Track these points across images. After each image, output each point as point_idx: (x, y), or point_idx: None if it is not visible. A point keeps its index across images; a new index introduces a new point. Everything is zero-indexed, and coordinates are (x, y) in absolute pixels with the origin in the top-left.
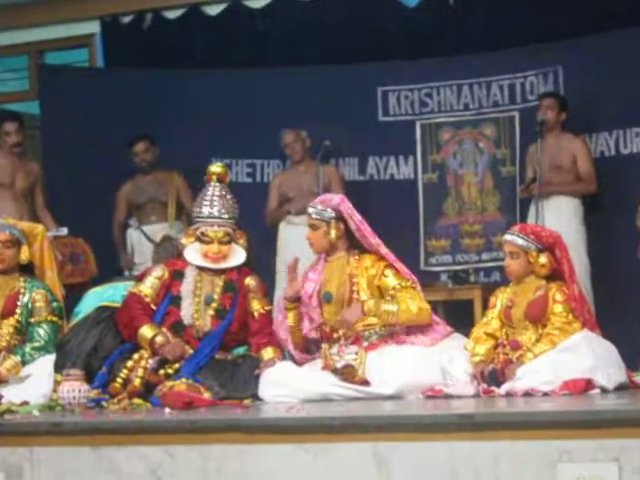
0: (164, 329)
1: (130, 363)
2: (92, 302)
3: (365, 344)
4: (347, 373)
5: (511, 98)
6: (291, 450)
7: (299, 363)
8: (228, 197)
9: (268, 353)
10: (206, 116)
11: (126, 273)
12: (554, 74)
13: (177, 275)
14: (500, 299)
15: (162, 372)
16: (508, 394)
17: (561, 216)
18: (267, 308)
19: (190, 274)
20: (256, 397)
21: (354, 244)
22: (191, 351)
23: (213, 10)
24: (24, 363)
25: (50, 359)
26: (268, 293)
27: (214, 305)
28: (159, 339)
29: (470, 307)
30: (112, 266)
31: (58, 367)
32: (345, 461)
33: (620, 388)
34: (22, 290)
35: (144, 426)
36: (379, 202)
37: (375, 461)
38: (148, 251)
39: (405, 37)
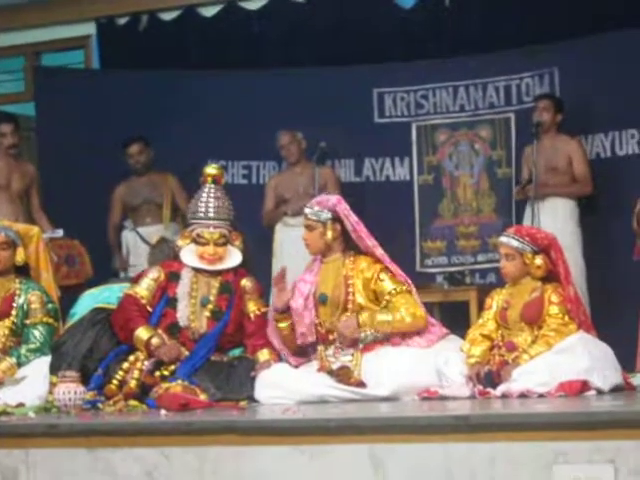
0: (160, 331)
1: (126, 365)
2: (88, 304)
3: (361, 346)
4: (343, 375)
5: (507, 99)
6: (287, 452)
7: (295, 365)
8: (224, 198)
9: (264, 355)
10: (202, 117)
11: (121, 274)
12: (550, 75)
13: (173, 277)
14: (496, 300)
15: (158, 374)
16: (504, 395)
17: (557, 218)
18: (263, 310)
19: (186, 276)
20: (252, 399)
21: (350, 245)
22: (187, 353)
23: (209, 11)
24: (19, 365)
25: (46, 361)
26: (264, 294)
27: (210, 307)
28: (155, 341)
29: (466, 308)
30: (108, 268)
31: (54, 369)
32: (341, 463)
33: (616, 390)
34: (17, 292)
35: (140, 428)
36: (375, 204)
37: (371, 462)
38: (144, 253)
39: (401, 38)
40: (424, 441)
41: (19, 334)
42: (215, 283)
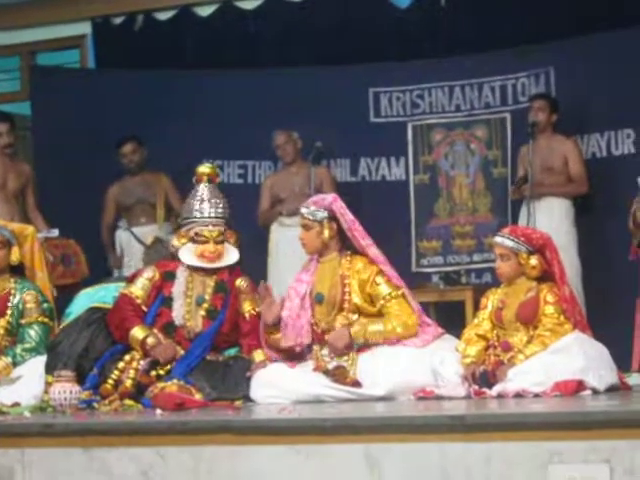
0: (155, 330)
1: (121, 364)
2: (83, 303)
3: (356, 345)
4: (339, 374)
5: (502, 99)
6: (283, 451)
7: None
8: (220, 197)
9: (260, 355)
10: (197, 117)
11: (115, 273)
12: (545, 75)
13: (168, 276)
14: (491, 300)
15: (153, 373)
16: (499, 395)
17: (552, 217)
18: (258, 309)
19: (181, 275)
20: (247, 398)
21: (346, 245)
22: (182, 352)
23: (204, 11)
24: (15, 364)
25: (41, 360)
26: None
27: (205, 306)
28: (150, 340)
29: (461, 308)
30: (103, 267)
31: (49, 368)
32: (337, 462)
33: (611, 389)
34: (13, 291)
35: (135, 427)
36: (371, 203)
37: (367, 462)
38: (138, 252)
39: (396, 38)
40: (420, 441)
41: (14, 334)
42: (210, 282)
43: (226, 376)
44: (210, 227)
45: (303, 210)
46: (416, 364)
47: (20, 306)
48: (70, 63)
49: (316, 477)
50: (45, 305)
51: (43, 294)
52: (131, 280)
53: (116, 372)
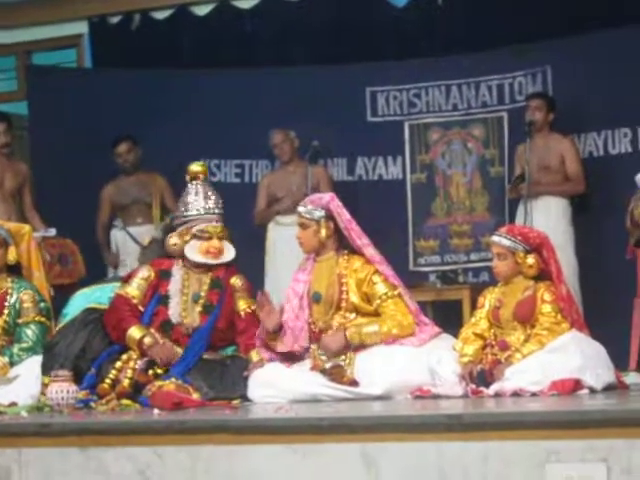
0: (152, 330)
1: (119, 364)
2: (79, 304)
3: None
4: (336, 373)
5: (499, 98)
6: (280, 450)
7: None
8: (215, 193)
9: (257, 354)
10: (195, 116)
11: (110, 272)
12: (542, 74)
13: (164, 275)
14: (488, 299)
15: (151, 372)
16: (496, 394)
17: (549, 216)
18: (253, 307)
19: (177, 273)
20: (245, 398)
21: (343, 244)
22: (180, 351)
23: (201, 10)
24: (12, 364)
25: (38, 360)
26: (254, 293)
27: (201, 301)
28: (147, 340)
29: (459, 307)
30: (100, 266)
31: (45, 369)
32: (334, 461)
33: (608, 388)
34: (9, 291)
35: (132, 427)
36: (368, 202)
37: (364, 461)
38: (133, 252)
39: (393, 37)
40: (417, 440)
41: (11, 333)
42: (206, 279)
43: (224, 376)
44: (214, 223)
45: (300, 209)
46: (413, 363)
47: (17, 305)
48: (67, 62)
49: (313, 476)
50: (42, 305)
51: (40, 294)
52: (126, 280)
53: (113, 372)
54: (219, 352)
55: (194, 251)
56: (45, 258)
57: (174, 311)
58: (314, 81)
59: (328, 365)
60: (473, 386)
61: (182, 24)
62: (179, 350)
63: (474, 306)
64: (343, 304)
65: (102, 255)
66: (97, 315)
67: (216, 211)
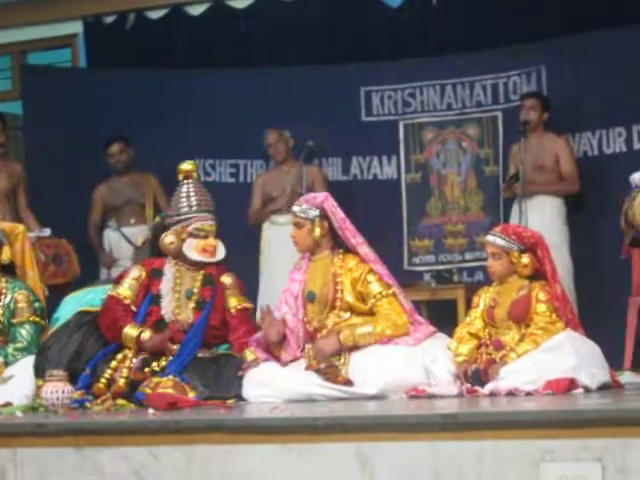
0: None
1: (114, 363)
2: (71, 307)
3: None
4: (330, 373)
5: (494, 98)
6: (275, 450)
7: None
8: (207, 192)
9: (251, 354)
10: (189, 116)
11: (103, 273)
12: (537, 74)
13: (156, 274)
14: (483, 299)
15: (147, 370)
16: (491, 394)
17: (544, 216)
18: (244, 305)
19: (169, 271)
20: (240, 397)
21: (338, 243)
22: (175, 347)
23: (196, 10)
24: (7, 364)
25: (33, 360)
26: (246, 291)
27: (195, 298)
28: (145, 335)
29: (453, 307)
30: (95, 266)
31: (38, 372)
32: (329, 461)
33: (603, 388)
34: (4, 291)
35: (128, 427)
36: (362, 202)
37: (358, 461)
38: (127, 252)
39: (388, 37)
40: (412, 439)
41: (6, 333)
42: (198, 276)
43: (219, 375)
44: (209, 221)
45: (295, 208)
46: (408, 363)
47: (11, 305)
48: (61, 62)
49: (308, 476)
50: (37, 304)
51: (34, 293)
52: (117, 282)
53: (109, 371)
54: (212, 350)
55: (191, 249)
56: (39, 258)
57: (167, 310)
58: (309, 81)
59: (323, 365)
60: (468, 385)
61: (176, 24)
62: (174, 347)
63: (469, 306)
64: (338, 303)
65: (97, 255)
66: (90, 317)
67: (210, 208)
